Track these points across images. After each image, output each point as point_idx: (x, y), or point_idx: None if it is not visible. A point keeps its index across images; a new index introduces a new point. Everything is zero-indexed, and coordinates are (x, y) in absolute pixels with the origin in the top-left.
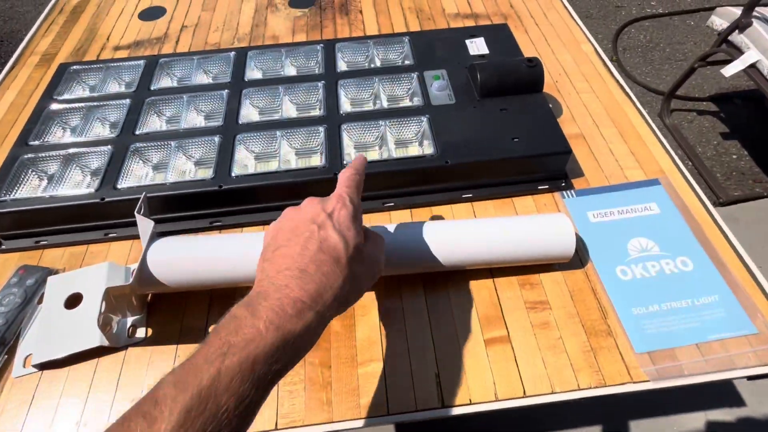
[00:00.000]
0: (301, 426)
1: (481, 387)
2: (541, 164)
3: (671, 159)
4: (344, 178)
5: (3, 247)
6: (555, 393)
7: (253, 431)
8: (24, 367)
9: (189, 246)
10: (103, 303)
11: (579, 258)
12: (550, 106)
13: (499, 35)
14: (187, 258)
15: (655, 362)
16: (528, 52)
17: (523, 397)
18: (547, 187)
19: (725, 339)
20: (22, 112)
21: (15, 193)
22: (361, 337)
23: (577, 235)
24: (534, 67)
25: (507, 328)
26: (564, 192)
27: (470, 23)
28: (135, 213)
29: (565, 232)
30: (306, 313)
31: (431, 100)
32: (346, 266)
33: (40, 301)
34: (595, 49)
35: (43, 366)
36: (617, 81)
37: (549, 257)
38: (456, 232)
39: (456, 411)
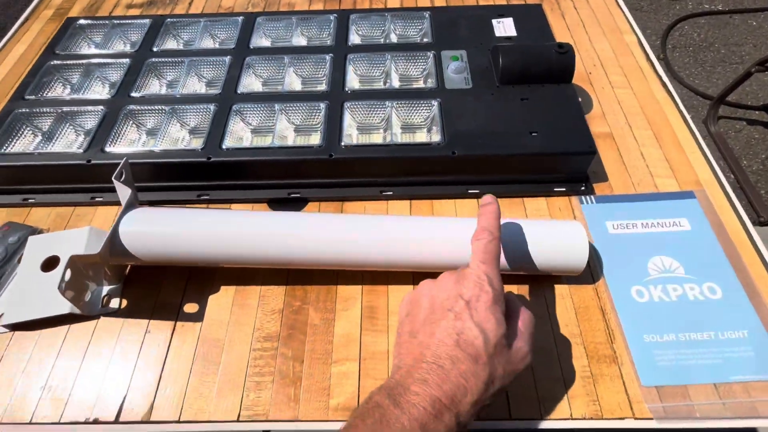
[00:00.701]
0: (264, 420)
1: None
2: (560, 164)
3: (711, 170)
4: (480, 247)
5: None
6: (544, 419)
7: (217, 419)
8: None
9: (165, 219)
10: (67, 270)
11: (590, 271)
12: (579, 99)
13: (531, 16)
14: (163, 232)
15: (663, 399)
16: (561, 37)
17: (507, 420)
18: (564, 189)
19: (750, 382)
20: (29, 66)
21: (7, 147)
22: (339, 333)
23: (591, 246)
24: (564, 53)
25: None
26: (583, 197)
27: (501, 1)
28: (113, 179)
29: (577, 244)
30: (444, 414)
31: (445, 83)
32: (487, 365)
33: (19, 260)
34: (639, 40)
35: (15, 327)
36: (660, 78)
37: (555, 269)
38: (454, 230)
39: None
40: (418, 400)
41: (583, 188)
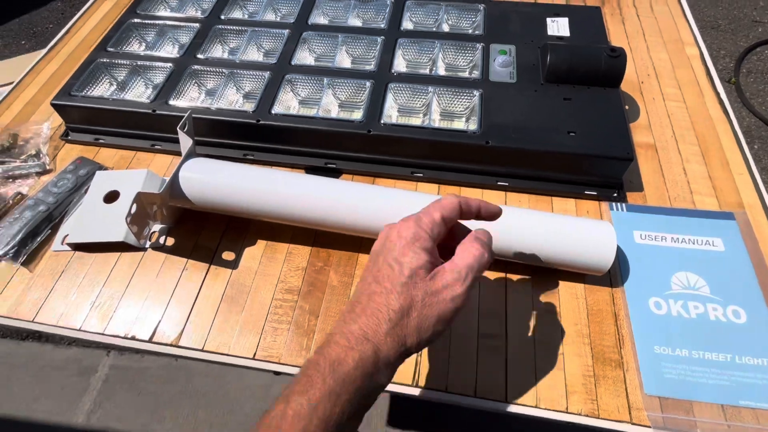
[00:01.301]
0: (276, 363)
1: (462, 378)
2: (594, 166)
3: (758, 194)
4: (439, 200)
5: (69, 137)
6: (539, 408)
7: (236, 354)
8: (61, 243)
9: (219, 170)
10: (134, 205)
11: (609, 276)
12: (626, 107)
13: (588, 18)
14: (215, 181)
15: (664, 409)
16: (617, 43)
17: (502, 401)
18: (595, 193)
19: (761, 410)
20: (113, 22)
21: (87, 91)
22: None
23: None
24: (616, 57)
25: (506, 328)
26: (613, 203)
27: (560, 1)
28: (177, 128)
29: (605, 243)
30: (360, 345)
31: (489, 75)
32: (400, 294)
33: (86, 191)
34: (702, 54)
35: (77, 247)
36: (718, 95)
37: (579, 266)
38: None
39: (429, 394)
40: (336, 338)
41: (615, 195)
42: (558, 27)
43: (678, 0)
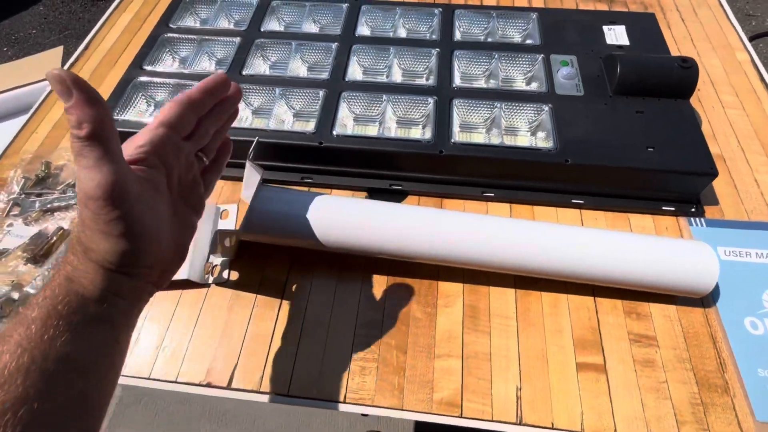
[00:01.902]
0: (369, 405)
1: (567, 413)
2: (675, 182)
3: None
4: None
5: None
6: None
7: (323, 398)
8: None
9: (295, 201)
10: (216, 245)
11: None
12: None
13: (643, 25)
14: (293, 213)
15: None
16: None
17: None
18: (673, 209)
19: None
20: (136, 35)
21: (126, 113)
22: (441, 329)
23: None
24: (688, 69)
25: (604, 357)
26: (692, 219)
27: (602, 7)
28: (248, 160)
29: (707, 265)
30: (70, 258)
31: (555, 88)
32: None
33: None
34: (752, 59)
35: None
36: None
37: (680, 289)
38: (579, 238)
39: None
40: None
41: (693, 210)
42: (616, 35)
43: (718, 2)
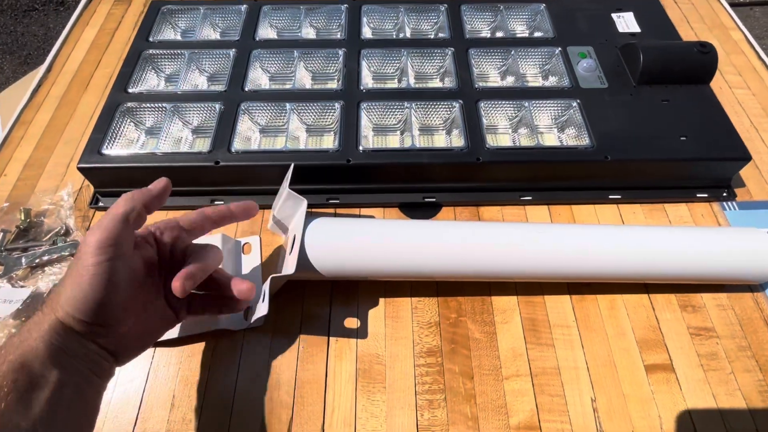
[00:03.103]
0: None
1: (645, 419)
2: (709, 169)
3: None
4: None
5: (100, 204)
6: None
7: None
8: None
9: (350, 230)
10: (266, 294)
11: None
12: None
13: (650, 11)
14: (351, 245)
15: None
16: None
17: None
18: (706, 195)
19: None
20: (105, 52)
21: (117, 145)
22: (504, 348)
23: None
24: (707, 54)
25: (670, 355)
26: (724, 203)
27: None
28: (288, 188)
29: (763, 251)
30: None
31: (579, 82)
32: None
33: None
34: (747, 38)
35: (157, 343)
36: None
37: (740, 278)
38: (631, 237)
39: None
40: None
41: (725, 194)
42: (626, 23)
43: None
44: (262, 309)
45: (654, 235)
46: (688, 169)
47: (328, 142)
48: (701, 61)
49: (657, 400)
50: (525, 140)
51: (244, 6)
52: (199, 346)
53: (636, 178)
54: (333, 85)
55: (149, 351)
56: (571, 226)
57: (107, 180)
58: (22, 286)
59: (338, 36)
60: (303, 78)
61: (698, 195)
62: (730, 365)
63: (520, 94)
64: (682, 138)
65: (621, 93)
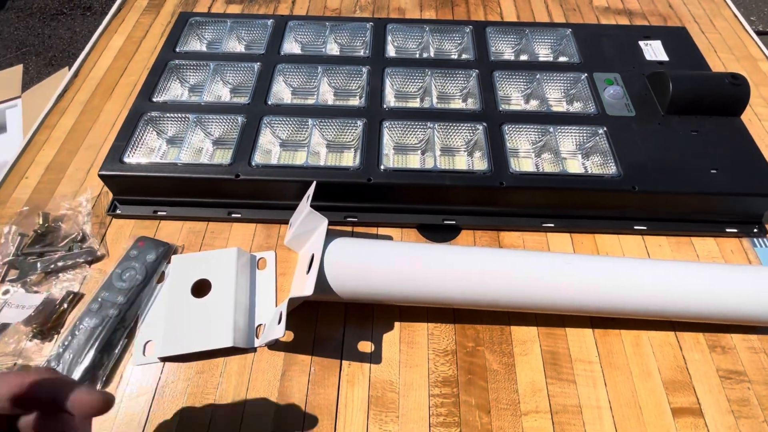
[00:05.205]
0: None
1: None
2: (740, 204)
3: None
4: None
5: (118, 211)
6: None
7: None
8: (144, 354)
9: (364, 254)
10: (285, 314)
11: None
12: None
13: (678, 40)
14: (367, 269)
15: None
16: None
17: None
18: (735, 231)
19: None
20: (131, 60)
21: (138, 154)
22: (523, 382)
23: None
24: (739, 86)
25: (698, 398)
26: (755, 239)
27: (623, 21)
28: (309, 207)
29: None
30: None
31: (606, 109)
32: None
33: (159, 280)
34: None
35: (166, 359)
36: None
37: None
38: (664, 273)
39: None
40: None
41: (755, 230)
42: (654, 51)
43: (733, 13)
44: (277, 332)
45: (683, 271)
46: (719, 203)
47: (348, 159)
48: (733, 92)
49: None
50: (548, 166)
51: (271, 20)
52: (208, 364)
53: (663, 210)
54: (355, 102)
55: (158, 366)
56: (596, 258)
57: (127, 188)
58: (36, 292)
59: (362, 53)
60: (325, 93)
61: (727, 230)
62: (763, 413)
63: (545, 118)
64: (712, 171)
65: (649, 122)
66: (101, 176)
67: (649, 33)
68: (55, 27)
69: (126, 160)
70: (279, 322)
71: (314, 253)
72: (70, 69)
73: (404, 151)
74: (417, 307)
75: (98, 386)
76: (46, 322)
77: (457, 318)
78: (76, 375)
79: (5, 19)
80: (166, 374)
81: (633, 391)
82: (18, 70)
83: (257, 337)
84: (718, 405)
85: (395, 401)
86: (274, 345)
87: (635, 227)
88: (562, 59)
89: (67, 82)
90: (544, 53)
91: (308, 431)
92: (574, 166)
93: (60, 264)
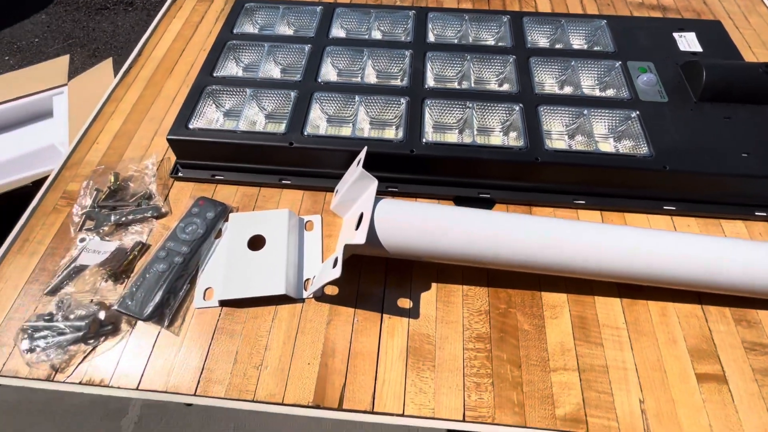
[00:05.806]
0: (490, 423)
1: (696, 427)
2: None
3: None
4: None
5: (180, 174)
6: None
7: (441, 416)
8: (204, 299)
9: (410, 212)
10: (341, 257)
11: None
12: None
13: (712, 32)
14: (414, 227)
15: None
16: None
17: None
18: (765, 214)
19: None
20: (189, 42)
21: (201, 122)
22: (552, 342)
23: None
24: None
25: (722, 367)
26: None
27: (656, 15)
28: (361, 169)
29: None
30: None
31: (639, 95)
32: None
33: (217, 236)
34: None
35: (224, 303)
36: None
37: None
38: (695, 244)
39: None
40: None
41: None
42: (687, 42)
43: None
44: (334, 273)
45: (714, 244)
46: (749, 185)
47: (390, 135)
48: (766, 81)
49: (708, 410)
50: (581, 147)
51: (320, 7)
52: (261, 310)
53: (693, 191)
54: (396, 82)
55: (216, 309)
56: (627, 227)
57: (190, 152)
58: (108, 240)
59: (404, 39)
60: (369, 75)
61: (757, 213)
62: None
63: (579, 101)
64: (743, 155)
65: (682, 108)
66: (169, 140)
67: (684, 25)
68: (99, 21)
69: (191, 126)
70: (334, 266)
71: (363, 211)
72: (113, 60)
73: (443, 130)
74: (453, 270)
75: (165, 323)
76: (119, 266)
77: (491, 281)
78: (147, 311)
79: (54, 13)
80: (224, 317)
81: (659, 356)
82: (65, 60)
83: (305, 290)
84: (742, 373)
85: (432, 352)
86: (321, 297)
87: (665, 207)
88: (596, 49)
89: (131, 60)
90: (578, 43)
91: (352, 374)
92: (607, 148)
93: (130, 217)
